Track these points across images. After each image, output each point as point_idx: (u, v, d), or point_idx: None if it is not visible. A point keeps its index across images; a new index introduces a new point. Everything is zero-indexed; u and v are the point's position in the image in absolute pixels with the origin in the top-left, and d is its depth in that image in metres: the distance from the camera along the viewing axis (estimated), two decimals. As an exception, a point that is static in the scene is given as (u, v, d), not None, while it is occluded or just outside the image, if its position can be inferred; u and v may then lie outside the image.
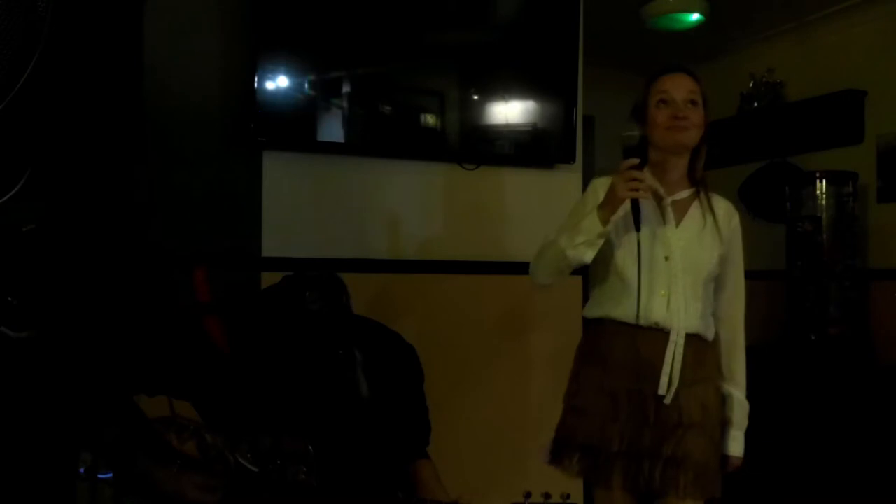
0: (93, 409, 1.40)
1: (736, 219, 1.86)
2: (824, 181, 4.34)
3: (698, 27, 4.50)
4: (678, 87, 1.79)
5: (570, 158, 2.80)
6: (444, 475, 1.86)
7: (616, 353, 1.76)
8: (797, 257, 4.44)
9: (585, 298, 2.87)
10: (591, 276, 1.87)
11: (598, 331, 1.83)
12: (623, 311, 1.76)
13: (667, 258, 1.74)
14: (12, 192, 1.20)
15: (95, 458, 1.36)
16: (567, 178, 2.88)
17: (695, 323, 1.75)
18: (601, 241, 1.70)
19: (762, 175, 5.05)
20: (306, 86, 2.39)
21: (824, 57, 4.73)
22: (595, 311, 1.84)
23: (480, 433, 2.70)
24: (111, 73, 1.41)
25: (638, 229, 1.70)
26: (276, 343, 1.77)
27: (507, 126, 2.71)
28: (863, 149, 4.52)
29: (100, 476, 1.36)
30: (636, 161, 1.70)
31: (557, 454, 1.81)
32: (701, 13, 4.36)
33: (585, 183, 3.09)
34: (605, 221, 1.68)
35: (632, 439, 1.70)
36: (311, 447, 1.60)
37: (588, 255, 1.70)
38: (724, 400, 1.82)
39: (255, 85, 2.28)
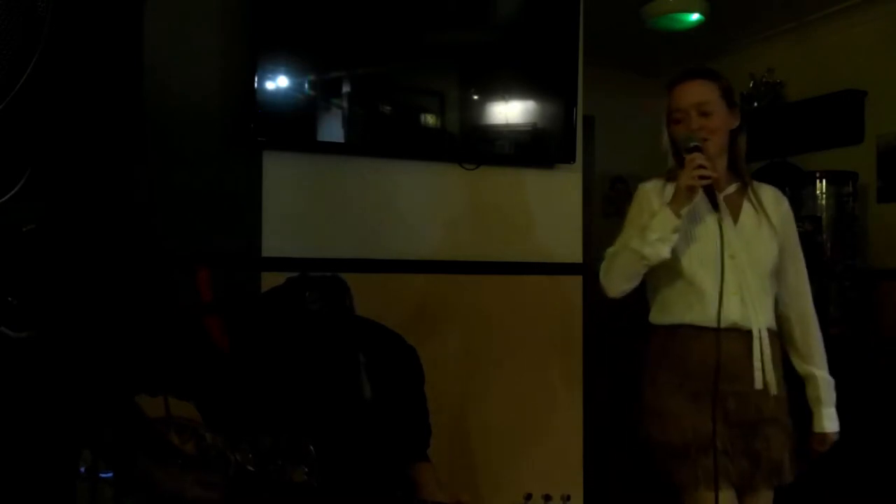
0: (93, 409, 1.39)
1: (785, 204, 1.89)
2: (824, 181, 4.34)
3: (698, 27, 4.50)
4: (687, 100, 1.81)
5: (570, 158, 2.80)
6: (445, 476, 1.86)
7: (694, 356, 1.77)
8: (797, 257, 4.44)
9: (586, 298, 2.89)
10: (652, 281, 1.87)
11: (670, 336, 1.83)
12: (698, 314, 1.77)
13: (731, 257, 1.75)
14: (12, 192, 1.20)
15: (96, 458, 1.36)
16: (567, 178, 2.88)
17: (769, 317, 1.80)
18: (675, 237, 1.70)
19: (762, 175, 5.04)
20: (306, 86, 2.39)
21: (824, 57, 4.73)
22: (665, 317, 1.85)
23: (481, 434, 2.70)
24: (111, 73, 1.41)
25: (716, 208, 1.72)
26: (278, 344, 1.77)
27: (507, 126, 2.71)
28: (863, 149, 4.52)
29: (100, 475, 1.36)
30: (701, 154, 1.71)
31: (649, 459, 1.82)
32: (701, 13, 4.36)
33: (585, 183, 3.11)
34: (677, 213, 1.69)
35: (721, 438, 1.72)
36: (312, 447, 1.60)
37: (665, 251, 1.70)
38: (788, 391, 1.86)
39: (255, 85, 2.28)
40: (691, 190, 1.70)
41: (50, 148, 1.27)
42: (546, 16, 2.76)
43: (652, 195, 1.84)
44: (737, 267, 1.76)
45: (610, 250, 1.82)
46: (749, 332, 1.77)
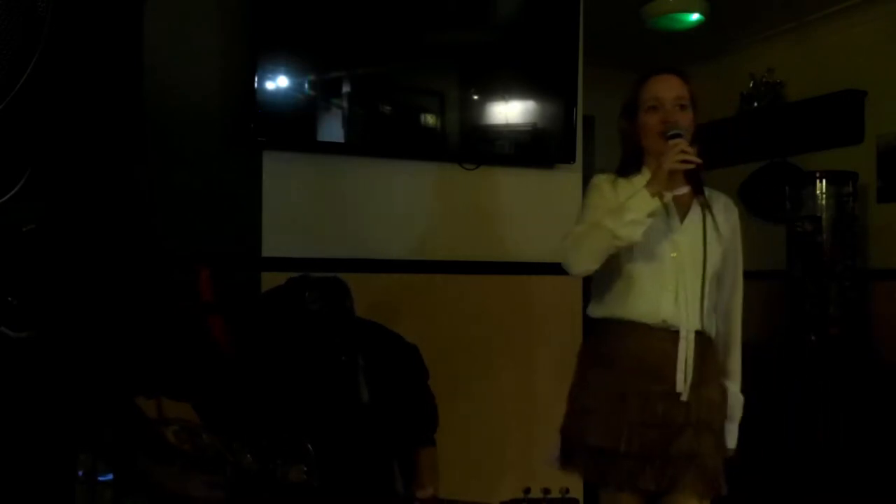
0: (93, 410, 1.39)
1: (735, 214, 1.86)
2: (824, 181, 4.34)
3: (698, 27, 4.50)
4: (667, 91, 1.79)
5: (570, 158, 2.80)
6: (447, 472, 1.87)
7: (623, 352, 1.75)
8: (797, 257, 4.44)
9: (586, 297, 2.89)
10: (595, 274, 1.86)
11: (603, 330, 1.83)
12: (630, 310, 1.75)
13: (673, 255, 1.73)
14: (12, 192, 1.20)
15: (95, 460, 1.36)
16: (567, 178, 2.88)
17: (702, 320, 1.76)
18: (649, 221, 1.67)
19: (762, 175, 5.06)
20: (306, 86, 2.39)
21: (824, 57, 4.73)
22: (600, 310, 1.83)
23: (481, 432, 2.70)
24: (111, 73, 1.41)
25: (701, 193, 1.70)
26: (278, 344, 1.77)
27: (507, 126, 2.71)
28: (863, 149, 4.52)
29: (100, 478, 1.36)
30: (683, 140, 1.70)
31: (566, 456, 1.81)
32: (701, 13, 4.36)
33: (585, 183, 3.10)
34: (655, 196, 1.66)
35: (641, 439, 1.70)
36: (310, 447, 1.60)
37: (638, 233, 1.66)
38: (725, 398, 1.82)
39: (255, 85, 2.28)
40: (672, 173, 1.68)
41: (50, 148, 1.27)
42: (546, 16, 2.76)
43: (605, 187, 1.81)
44: (677, 265, 1.74)
45: (576, 229, 1.77)
46: (677, 333, 1.73)
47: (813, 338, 4.31)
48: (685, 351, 1.72)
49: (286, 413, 1.68)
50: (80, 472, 1.33)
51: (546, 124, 2.76)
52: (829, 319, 4.30)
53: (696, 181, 1.71)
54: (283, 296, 1.82)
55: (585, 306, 2.86)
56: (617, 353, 1.77)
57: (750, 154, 5.07)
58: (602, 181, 1.85)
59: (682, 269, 1.74)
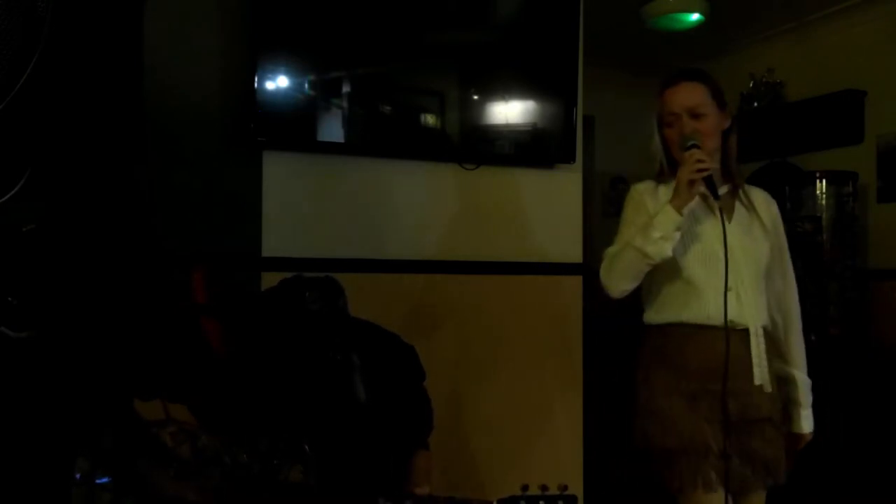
0: (91, 411, 1.39)
1: (774, 206, 1.92)
2: (824, 181, 4.34)
3: (698, 27, 4.51)
4: (680, 103, 1.81)
5: (570, 158, 2.80)
6: (446, 471, 1.87)
7: (690, 354, 1.77)
8: (797, 257, 4.42)
9: (586, 298, 2.89)
10: (647, 281, 1.86)
11: (665, 335, 1.83)
12: (694, 312, 1.77)
13: (727, 254, 1.75)
14: (12, 192, 1.20)
15: (93, 463, 1.36)
16: (567, 178, 2.88)
17: (764, 315, 1.81)
18: (678, 235, 1.70)
19: (762, 175, 5.05)
20: (306, 86, 2.39)
21: (824, 57, 4.73)
22: (660, 316, 1.84)
23: (480, 431, 2.70)
24: (111, 73, 1.41)
25: (717, 197, 1.73)
26: (273, 345, 1.77)
27: (507, 126, 2.71)
28: (863, 149, 4.52)
29: (97, 481, 1.36)
30: (699, 150, 1.72)
31: (648, 463, 1.81)
32: (701, 13, 4.36)
33: (585, 183, 3.11)
34: (679, 212, 1.69)
35: (718, 440, 1.72)
36: (307, 447, 1.60)
37: (668, 250, 1.70)
38: (779, 386, 1.86)
39: (255, 85, 2.28)
40: (692, 184, 1.70)
41: (50, 148, 1.27)
42: (546, 16, 2.76)
43: (645, 196, 1.85)
44: (733, 265, 1.75)
45: (611, 250, 1.81)
46: (744, 331, 1.77)
47: (813, 338, 4.30)
48: (757, 346, 1.77)
49: (283, 413, 1.68)
50: (78, 475, 1.33)
51: (546, 124, 2.76)
52: (829, 319, 4.30)
53: (713, 189, 1.73)
54: (278, 296, 1.82)
55: (585, 307, 2.89)
56: (682, 356, 1.78)
57: (750, 154, 5.06)
58: (640, 192, 1.87)
59: (737, 267, 1.76)
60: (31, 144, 1.23)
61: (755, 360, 1.76)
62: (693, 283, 1.77)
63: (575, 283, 2.90)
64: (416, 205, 2.64)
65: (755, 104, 5.11)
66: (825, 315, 4.30)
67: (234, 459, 1.55)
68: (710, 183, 1.72)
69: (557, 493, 1.40)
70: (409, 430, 1.88)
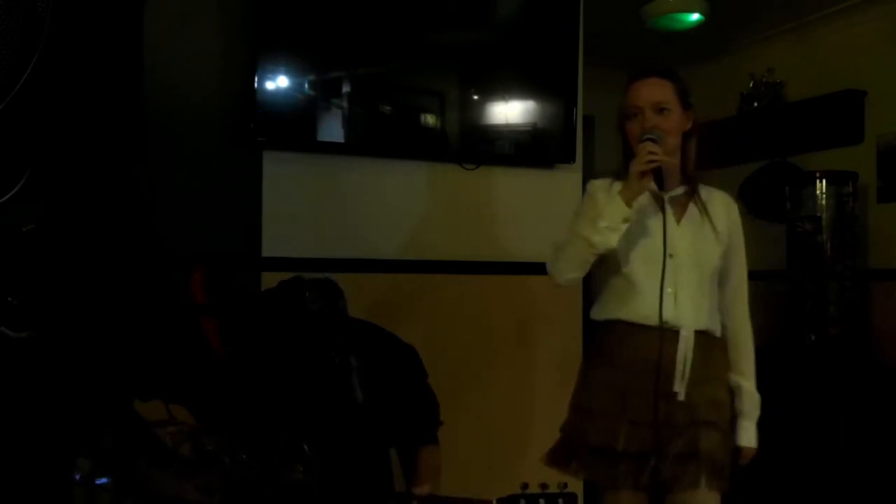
0: (91, 411, 1.39)
1: (735, 210, 1.86)
2: (824, 181, 4.34)
3: (698, 27, 4.50)
4: (645, 98, 1.79)
5: (570, 158, 2.80)
6: (447, 470, 1.87)
7: (625, 353, 1.76)
8: (797, 257, 4.44)
9: (586, 297, 2.89)
10: (596, 277, 1.86)
11: (605, 332, 1.83)
12: (631, 311, 1.76)
13: (671, 255, 1.73)
14: (12, 192, 1.20)
15: (93, 463, 1.36)
16: (567, 178, 2.88)
17: (703, 320, 1.77)
18: (625, 227, 1.69)
19: (762, 175, 5.06)
20: (306, 86, 2.39)
21: (824, 57, 4.73)
22: (602, 312, 1.85)
23: (480, 430, 2.70)
24: (111, 73, 1.41)
25: (661, 188, 1.71)
26: (272, 346, 1.77)
27: (507, 126, 2.71)
28: (863, 149, 4.52)
29: (97, 482, 1.36)
30: (654, 143, 1.70)
31: (565, 455, 1.81)
32: (701, 13, 4.36)
33: (585, 183, 3.10)
34: (628, 203, 1.68)
35: (642, 439, 1.70)
36: (306, 447, 1.60)
37: (613, 240, 1.68)
38: (733, 395, 1.83)
39: (255, 85, 2.28)
40: (642, 176, 1.68)
41: (50, 148, 1.27)
42: (546, 16, 2.76)
43: (599, 191, 1.82)
44: (675, 266, 1.74)
45: (558, 239, 1.80)
46: (678, 333, 1.74)
47: (813, 338, 4.31)
48: (684, 351, 1.73)
49: (282, 414, 1.68)
50: (78, 476, 1.33)
51: (546, 124, 2.76)
52: (829, 319, 4.30)
53: (659, 177, 1.71)
54: (278, 297, 1.82)
55: (585, 307, 2.89)
56: (618, 354, 1.78)
57: (750, 154, 5.07)
58: (596, 188, 1.85)
59: (680, 269, 1.75)
60: (31, 144, 1.23)
61: (677, 367, 1.72)
62: (633, 282, 1.76)
63: (575, 284, 2.90)
64: (415, 205, 2.64)
65: (755, 104, 5.10)
66: (825, 315, 4.30)
67: (235, 459, 1.55)
68: (658, 176, 1.70)
69: (557, 491, 1.40)
70: (412, 428, 1.88)
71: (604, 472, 1.74)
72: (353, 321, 1.90)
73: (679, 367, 1.72)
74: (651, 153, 1.67)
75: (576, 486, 1.57)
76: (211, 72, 2.37)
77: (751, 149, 5.05)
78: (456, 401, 2.62)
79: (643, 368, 1.72)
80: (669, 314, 1.72)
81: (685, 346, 1.73)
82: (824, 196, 4.33)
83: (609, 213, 1.68)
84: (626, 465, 1.71)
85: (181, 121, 2.29)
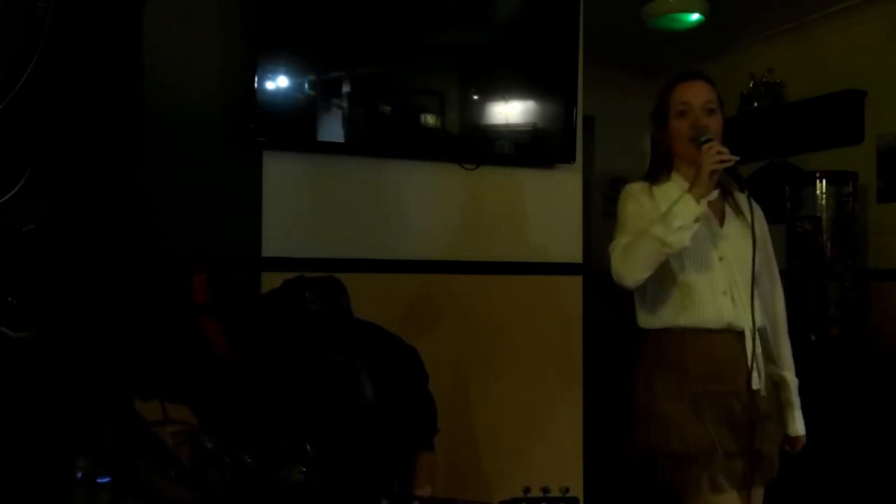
0: (91, 412, 1.39)
1: (760, 211, 1.90)
2: (824, 181, 4.34)
3: (698, 27, 4.51)
4: (697, 96, 1.82)
5: (570, 158, 2.80)
6: (446, 472, 1.87)
7: (691, 358, 1.78)
8: (797, 257, 4.44)
9: (586, 298, 2.89)
10: (641, 287, 1.84)
11: (664, 339, 1.83)
12: (690, 316, 1.78)
13: (721, 259, 1.78)
14: (12, 192, 1.20)
15: (93, 463, 1.36)
16: (567, 178, 2.88)
17: (759, 318, 1.80)
18: (696, 226, 1.70)
19: (762, 175, 5.05)
20: (306, 86, 2.39)
21: (824, 57, 4.73)
22: (658, 320, 1.85)
23: (481, 433, 2.70)
24: (111, 73, 1.41)
25: (742, 188, 1.78)
26: (277, 346, 1.77)
27: (507, 126, 2.71)
28: (863, 149, 4.52)
29: (98, 481, 1.36)
30: (716, 142, 1.74)
31: (649, 466, 1.81)
32: (701, 13, 4.36)
33: (586, 183, 3.10)
34: (699, 201, 1.70)
35: (723, 441, 1.73)
36: (309, 447, 1.60)
37: (687, 239, 1.70)
38: (775, 386, 1.88)
39: (255, 85, 2.28)
40: (713, 174, 1.71)
41: (50, 148, 1.27)
42: (546, 16, 2.76)
43: (642, 195, 1.85)
44: (726, 268, 1.78)
45: (621, 241, 1.80)
46: (741, 333, 1.78)
47: (813, 338, 4.31)
48: (752, 349, 1.77)
49: (285, 414, 1.68)
50: (78, 475, 1.33)
51: (546, 124, 2.76)
52: (829, 319, 4.30)
53: (739, 180, 1.77)
54: (280, 297, 1.82)
55: (586, 308, 2.89)
56: (684, 359, 1.79)
57: (750, 154, 5.06)
58: (637, 190, 1.88)
59: (731, 271, 1.79)
60: (31, 144, 1.23)
61: (751, 364, 1.76)
62: (688, 287, 1.78)
63: (575, 283, 2.90)
64: (415, 205, 2.64)
65: (755, 104, 5.11)
66: (825, 315, 4.30)
67: (235, 460, 1.55)
68: (735, 174, 1.75)
69: (559, 495, 1.40)
70: (412, 431, 1.88)
71: (683, 478, 1.74)
72: (357, 321, 1.90)
73: (752, 364, 1.76)
74: (720, 153, 1.70)
75: (577, 490, 1.58)
76: (211, 72, 2.37)
77: (751, 149, 5.04)
78: (455, 401, 2.62)
79: (712, 371, 1.75)
80: (731, 316, 1.76)
81: (753, 343, 1.77)
82: (824, 196, 4.33)
83: (681, 213, 1.69)
84: (707, 468, 1.71)
85: (181, 121, 2.28)
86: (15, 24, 1.18)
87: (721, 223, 1.83)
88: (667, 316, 1.82)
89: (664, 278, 1.81)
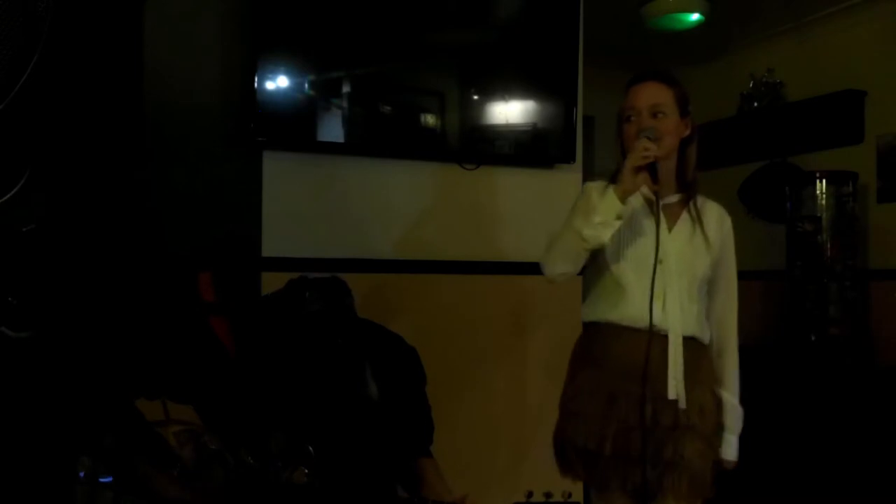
0: (93, 411, 1.39)
1: (728, 223, 1.86)
2: (824, 181, 4.35)
3: (698, 27, 4.50)
4: (643, 100, 1.80)
5: (570, 158, 2.80)
6: (446, 474, 1.87)
7: (613, 355, 1.77)
8: (797, 257, 4.44)
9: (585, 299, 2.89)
10: (587, 279, 1.88)
11: (594, 333, 1.84)
12: (619, 313, 1.77)
13: (661, 261, 1.74)
14: (12, 192, 1.20)
15: (95, 462, 1.36)
16: (567, 178, 2.88)
17: (692, 325, 1.77)
18: (618, 224, 1.69)
19: (762, 175, 5.06)
20: (306, 86, 2.39)
21: (824, 57, 4.73)
22: (591, 314, 1.86)
23: (480, 432, 2.70)
24: (111, 73, 1.41)
25: (655, 181, 1.70)
26: (283, 346, 1.77)
27: (507, 126, 2.71)
28: (863, 149, 4.52)
29: (100, 480, 1.36)
30: (649, 140, 1.71)
31: (561, 459, 1.82)
32: (701, 13, 4.36)
33: (586, 183, 3.10)
34: (622, 199, 1.68)
35: (630, 442, 1.70)
36: (311, 448, 1.60)
37: (606, 236, 1.68)
38: (720, 403, 1.82)
39: (255, 85, 2.28)
40: (637, 171, 1.68)
41: (50, 148, 1.27)
42: (546, 16, 2.75)
43: (594, 192, 1.81)
44: (664, 271, 1.74)
45: (552, 233, 1.81)
46: (667, 337, 1.74)
47: (813, 338, 4.31)
48: (673, 355, 1.73)
49: (293, 413, 1.68)
50: (81, 474, 1.33)
51: (546, 124, 2.76)
52: (829, 319, 4.30)
53: (654, 172, 1.70)
54: (284, 298, 1.82)
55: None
56: (607, 356, 1.78)
57: (750, 154, 5.07)
58: (591, 188, 1.85)
59: (669, 275, 1.75)
60: (31, 144, 1.23)
61: (671, 371, 1.72)
62: (622, 284, 1.77)
63: (575, 283, 2.89)
64: (416, 205, 2.64)
65: (755, 104, 5.11)
66: (825, 315, 4.30)
67: (238, 460, 1.55)
68: (653, 174, 1.70)
69: (562, 500, 1.40)
70: (414, 433, 1.88)
71: (594, 475, 1.75)
72: (361, 321, 1.90)
73: (671, 371, 1.72)
74: (646, 149, 1.67)
75: (577, 492, 1.58)
76: (211, 72, 2.37)
77: (751, 149, 5.05)
78: (455, 402, 2.62)
79: (631, 371, 1.72)
80: (657, 318, 1.72)
81: (675, 351, 1.73)
82: (824, 196, 4.33)
83: (602, 209, 1.68)
84: (615, 468, 1.71)
85: (181, 121, 2.29)
86: (15, 24, 1.18)
87: (671, 227, 1.80)
88: (599, 310, 1.82)
89: (601, 272, 1.81)
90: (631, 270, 1.76)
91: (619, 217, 1.69)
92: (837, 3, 4.54)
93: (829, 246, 4.31)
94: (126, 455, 1.42)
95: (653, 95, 1.80)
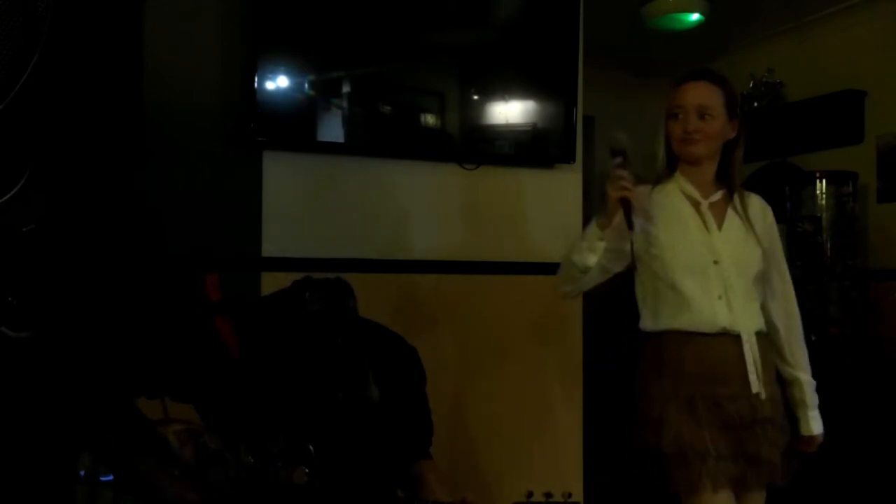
0: (93, 411, 1.39)
1: (770, 213, 1.92)
2: (824, 181, 4.34)
3: (698, 27, 4.50)
4: (689, 100, 1.81)
5: (570, 158, 2.80)
6: (446, 474, 1.87)
7: (686, 361, 1.78)
8: (797, 257, 4.44)
9: (586, 299, 2.89)
10: (640, 289, 1.88)
11: (661, 342, 1.83)
12: (686, 320, 1.78)
13: (716, 262, 1.76)
14: (12, 192, 1.20)
15: (96, 461, 1.36)
16: (567, 178, 2.88)
17: (757, 321, 1.81)
18: (601, 246, 1.73)
19: (762, 175, 5.05)
20: (306, 86, 2.39)
21: (824, 57, 4.73)
22: (654, 323, 1.85)
23: (481, 433, 2.70)
24: (111, 73, 1.41)
25: (630, 227, 1.70)
26: (285, 346, 1.77)
27: (507, 126, 2.71)
28: (863, 149, 4.52)
29: (100, 479, 1.36)
30: (621, 161, 1.72)
31: (651, 470, 1.81)
32: (701, 13, 4.36)
33: (585, 183, 3.10)
34: (601, 226, 1.72)
35: (716, 442, 1.72)
36: (311, 448, 1.59)
37: (590, 260, 1.73)
38: (781, 391, 1.87)
39: (255, 85, 2.28)
40: (614, 201, 1.69)
41: (50, 148, 1.27)
42: (546, 16, 2.75)
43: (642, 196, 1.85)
44: (721, 272, 1.77)
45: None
46: (738, 337, 1.77)
47: (813, 338, 4.30)
48: (751, 353, 1.76)
49: (295, 414, 1.68)
50: (82, 473, 1.33)
51: (546, 124, 2.76)
52: (829, 319, 4.30)
53: (629, 215, 1.69)
54: (286, 298, 1.82)
55: (586, 308, 2.89)
56: (679, 363, 1.79)
57: (750, 154, 5.01)
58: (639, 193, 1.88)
59: (727, 275, 1.77)
60: (31, 144, 1.23)
61: (749, 368, 1.76)
62: (682, 291, 1.78)
63: (572, 297, 2.89)
64: (415, 205, 2.64)
65: (755, 104, 5.11)
66: (825, 315, 4.30)
67: (238, 460, 1.55)
68: (627, 210, 1.69)
69: (562, 500, 1.40)
70: (414, 434, 1.88)
71: (683, 477, 1.74)
72: (363, 321, 1.89)
73: (751, 368, 1.76)
74: (622, 178, 1.68)
75: (578, 491, 1.58)
76: (211, 72, 2.36)
77: (751, 149, 5.01)
78: (455, 403, 2.62)
79: (707, 373, 1.75)
80: (726, 320, 1.75)
81: (750, 348, 1.77)
82: (824, 196, 4.33)
83: (588, 235, 1.74)
84: (715, 468, 1.71)
85: (181, 121, 2.28)
86: (15, 24, 1.18)
87: (720, 226, 1.82)
88: (664, 320, 1.82)
89: (659, 281, 1.82)
90: (688, 276, 1.78)
91: (601, 240, 1.73)
92: (837, 3, 4.54)
93: (829, 246, 4.31)
94: (126, 454, 1.42)
95: (701, 95, 1.81)
